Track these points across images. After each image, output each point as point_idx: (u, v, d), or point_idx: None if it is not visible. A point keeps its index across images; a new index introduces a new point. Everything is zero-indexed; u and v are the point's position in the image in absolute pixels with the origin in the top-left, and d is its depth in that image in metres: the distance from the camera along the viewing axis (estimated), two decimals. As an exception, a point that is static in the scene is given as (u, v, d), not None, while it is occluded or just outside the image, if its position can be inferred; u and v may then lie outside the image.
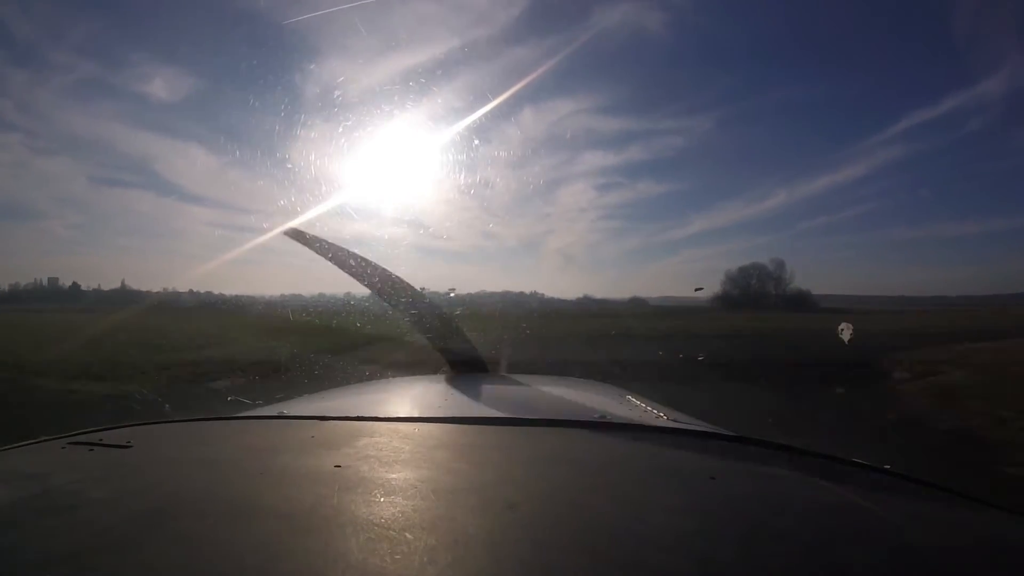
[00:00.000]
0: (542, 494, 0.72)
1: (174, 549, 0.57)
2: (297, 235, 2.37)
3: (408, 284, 2.25)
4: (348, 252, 2.22)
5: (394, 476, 0.78)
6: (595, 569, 0.53)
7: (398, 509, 0.66)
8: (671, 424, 1.31)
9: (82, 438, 0.99)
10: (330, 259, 2.21)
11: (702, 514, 0.68)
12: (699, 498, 0.74)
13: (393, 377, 2.76)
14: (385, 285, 2.23)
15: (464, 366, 2.19)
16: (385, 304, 2.30)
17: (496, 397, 1.79)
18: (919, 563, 0.59)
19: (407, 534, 0.59)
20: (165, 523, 0.62)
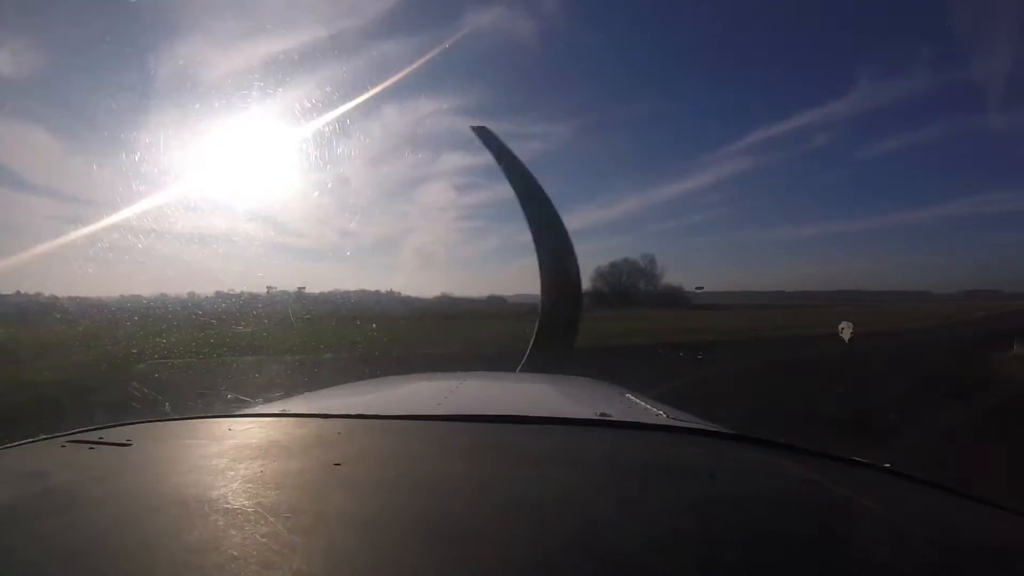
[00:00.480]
0: (542, 493, 0.72)
1: (174, 548, 0.57)
2: (483, 134, 2.28)
3: (571, 247, 2.09)
4: (532, 179, 2.07)
5: (394, 474, 0.78)
6: (595, 568, 0.53)
7: (398, 506, 0.66)
8: (671, 423, 1.31)
9: (82, 436, 0.99)
10: (508, 169, 2.07)
11: (702, 513, 0.68)
12: (699, 497, 0.74)
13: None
14: (555, 235, 2.07)
15: (556, 336, 2.05)
16: (540, 256, 2.12)
17: (496, 396, 1.80)
18: (919, 562, 0.59)
19: (407, 531, 0.59)
20: (165, 522, 0.62)
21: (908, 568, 0.58)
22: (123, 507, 0.67)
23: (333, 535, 0.58)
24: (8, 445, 1.01)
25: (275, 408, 1.43)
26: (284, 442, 1.00)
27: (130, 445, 0.94)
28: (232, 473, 0.80)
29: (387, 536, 0.58)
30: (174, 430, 1.16)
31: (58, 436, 1.01)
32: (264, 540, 0.58)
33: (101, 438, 0.97)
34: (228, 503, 0.68)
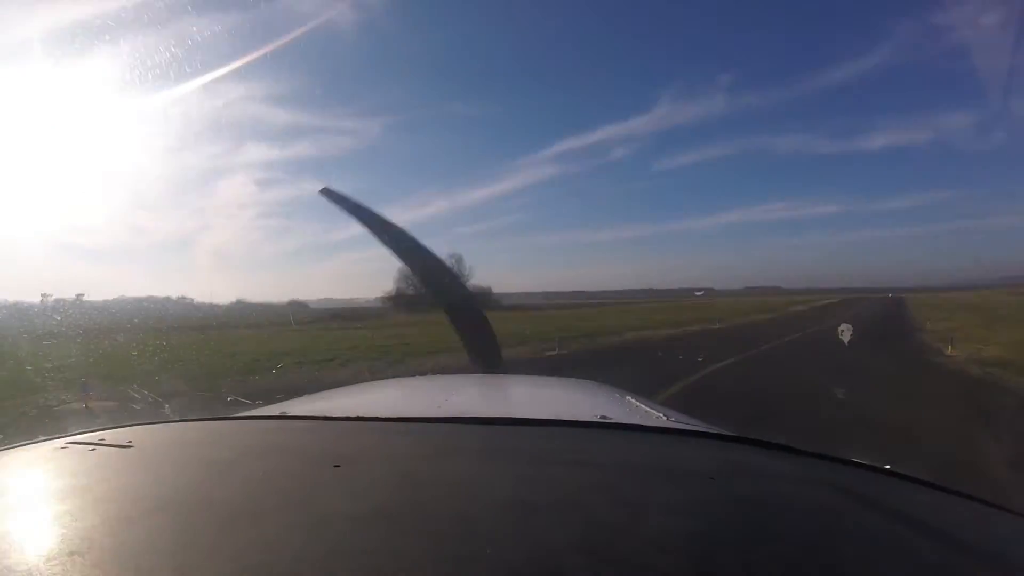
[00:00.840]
0: (542, 495, 0.72)
1: (174, 549, 0.57)
2: (330, 195, 2.31)
3: (445, 265, 2.18)
4: (387, 220, 2.13)
5: (394, 475, 0.78)
6: (595, 569, 0.53)
7: (398, 508, 0.66)
8: (671, 424, 1.31)
9: (83, 438, 0.99)
10: (365, 223, 2.12)
11: (702, 514, 0.68)
12: (699, 498, 0.74)
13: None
14: (423, 262, 2.13)
15: (480, 338, 2.13)
16: (419, 285, 2.23)
17: (496, 397, 1.80)
18: (919, 563, 0.59)
19: (407, 533, 0.59)
20: (165, 523, 0.62)
21: (908, 569, 0.58)
22: (123, 508, 0.67)
23: (333, 537, 0.58)
24: (8, 446, 1.01)
25: (275, 410, 1.43)
26: (284, 444, 1.00)
27: (131, 447, 0.94)
28: (232, 475, 0.80)
29: (387, 538, 0.58)
30: (175, 432, 1.16)
31: (59, 437, 1.01)
32: (264, 542, 0.58)
33: (102, 439, 0.97)
34: (228, 505, 0.68)
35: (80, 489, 0.73)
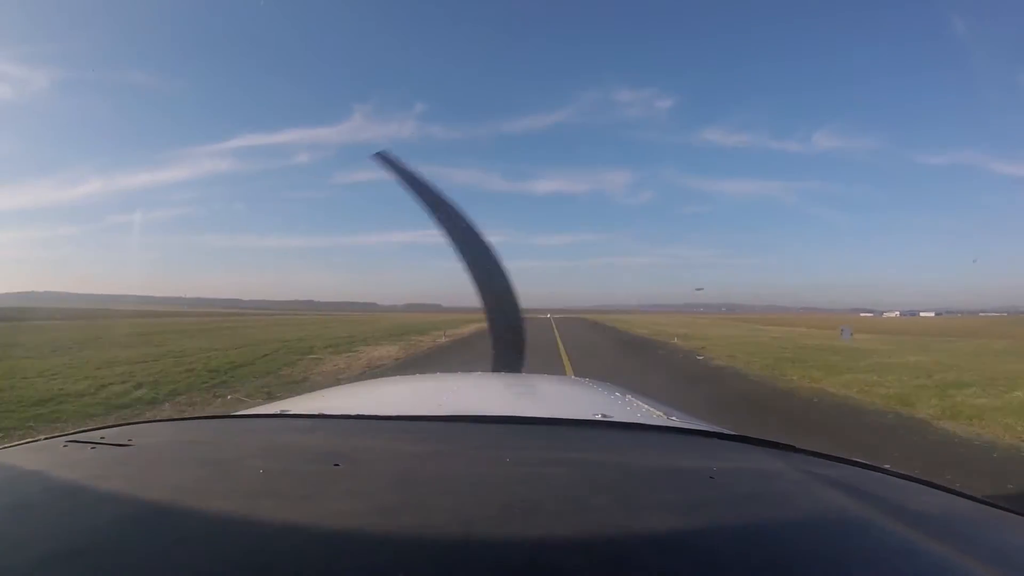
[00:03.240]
0: (542, 493, 0.72)
1: (174, 549, 0.57)
2: (385, 161, 2.16)
3: (495, 254, 2.03)
4: (442, 197, 2.00)
5: (394, 474, 0.78)
6: (595, 569, 0.53)
7: (398, 507, 0.66)
8: (671, 424, 1.32)
9: (83, 436, 0.99)
10: (419, 196, 2.00)
11: (702, 514, 0.68)
12: (699, 498, 0.74)
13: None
14: (462, 231, 2.00)
15: (509, 342, 2.08)
16: (455, 252, 2.07)
17: (496, 396, 1.80)
18: (919, 563, 0.59)
19: (407, 532, 0.59)
20: (165, 522, 0.62)
21: (909, 569, 0.58)
22: (123, 508, 0.67)
23: (333, 536, 0.58)
24: (8, 445, 1.01)
25: (275, 408, 1.44)
26: (283, 442, 1.00)
27: (131, 445, 0.94)
28: (232, 474, 0.80)
29: (387, 538, 0.58)
30: (174, 430, 1.16)
31: (59, 436, 1.01)
32: (264, 541, 0.58)
33: (102, 438, 0.97)
34: (228, 504, 0.68)
35: (80, 488, 0.74)
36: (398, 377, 2.51)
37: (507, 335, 2.22)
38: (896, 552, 0.60)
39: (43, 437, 1.03)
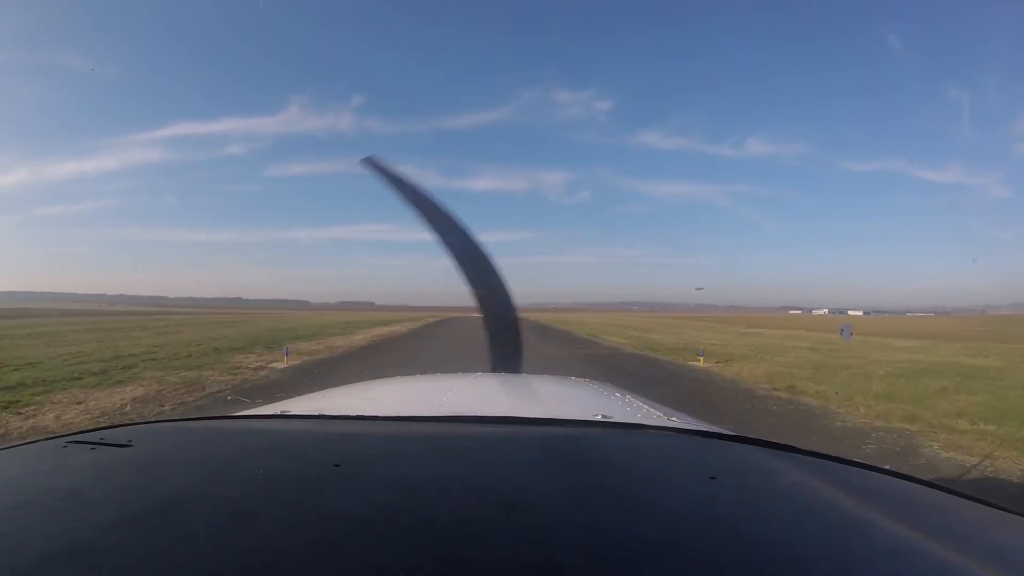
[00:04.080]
0: (542, 494, 0.72)
1: (174, 549, 0.56)
2: (373, 165, 2.12)
3: (487, 254, 2.01)
4: (432, 199, 1.98)
5: (394, 474, 0.78)
6: (595, 569, 0.53)
7: (398, 507, 0.66)
8: (671, 424, 1.33)
9: (83, 437, 0.98)
10: (408, 199, 1.97)
11: (702, 514, 0.68)
12: (699, 498, 0.74)
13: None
14: (452, 232, 1.99)
15: (505, 341, 2.06)
16: (447, 253, 2.05)
17: (496, 396, 1.80)
18: (919, 563, 0.59)
19: (407, 532, 0.59)
20: (165, 523, 0.62)
21: (908, 570, 0.58)
22: (123, 508, 0.66)
23: (333, 536, 0.58)
24: (8, 445, 1.00)
25: (275, 409, 1.43)
26: (284, 443, 1.00)
27: (131, 446, 0.93)
28: (232, 474, 0.80)
29: (387, 538, 0.58)
30: (175, 431, 1.15)
31: (59, 436, 1.00)
32: (264, 542, 0.58)
33: (102, 439, 0.96)
34: (228, 504, 0.68)
35: (80, 489, 0.73)
36: (398, 377, 2.47)
37: (503, 334, 2.23)
38: (896, 552, 0.61)
39: (43, 437, 1.02)
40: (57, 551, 0.55)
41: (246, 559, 0.54)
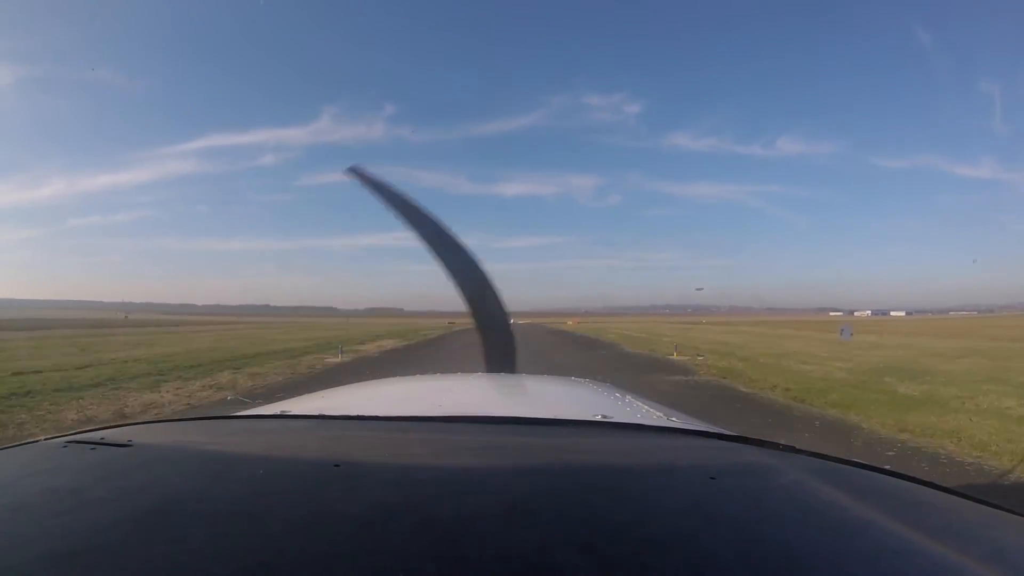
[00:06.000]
0: (542, 494, 0.72)
1: (174, 549, 0.56)
2: (358, 174, 2.17)
3: (476, 260, 2.06)
4: (418, 207, 2.03)
5: (394, 475, 0.78)
6: (595, 569, 0.53)
7: (398, 507, 0.66)
8: (671, 424, 1.32)
9: (83, 437, 0.98)
10: (394, 208, 2.01)
11: (702, 514, 0.68)
12: (699, 498, 0.74)
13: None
14: (438, 238, 2.03)
15: (497, 343, 2.08)
16: (435, 259, 2.09)
17: (496, 397, 1.80)
18: (919, 563, 0.59)
19: (407, 534, 0.59)
20: (165, 523, 0.62)
21: (908, 570, 0.58)
22: (123, 508, 0.66)
23: (333, 537, 0.58)
24: (8, 445, 1.00)
25: (275, 409, 1.43)
26: (284, 443, 1.00)
27: (131, 446, 0.93)
28: (232, 474, 0.80)
29: (387, 538, 0.58)
30: (175, 431, 1.15)
31: (59, 436, 1.01)
32: (264, 542, 0.58)
33: (102, 439, 0.97)
34: (228, 504, 0.68)
35: (80, 489, 0.73)
36: (398, 377, 2.50)
37: (494, 336, 2.25)
38: (896, 552, 0.60)
39: (43, 437, 1.02)
40: (57, 551, 0.55)
41: (246, 559, 0.54)
